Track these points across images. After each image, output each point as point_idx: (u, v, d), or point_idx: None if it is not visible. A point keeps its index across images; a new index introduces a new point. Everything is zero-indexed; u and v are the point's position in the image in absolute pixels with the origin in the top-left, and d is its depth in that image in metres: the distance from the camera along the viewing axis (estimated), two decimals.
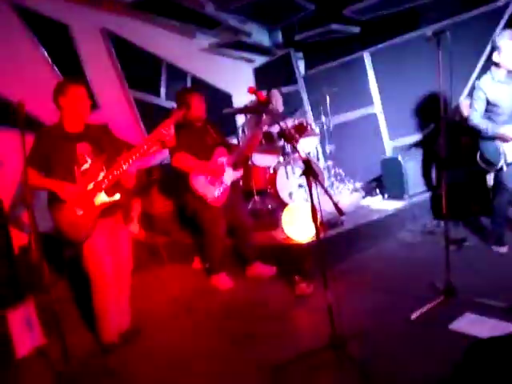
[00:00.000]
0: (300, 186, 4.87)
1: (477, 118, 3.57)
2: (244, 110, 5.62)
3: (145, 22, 6.04)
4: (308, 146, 5.41)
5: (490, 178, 3.97)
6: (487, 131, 3.53)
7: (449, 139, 3.81)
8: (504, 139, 3.49)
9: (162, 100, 6.23)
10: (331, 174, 5.85)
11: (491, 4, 5.12)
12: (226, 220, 3.97)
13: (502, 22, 5.00)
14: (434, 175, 5.25)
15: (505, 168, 3.54)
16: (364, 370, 2.23)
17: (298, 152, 2.64)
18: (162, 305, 3.87)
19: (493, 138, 3.54)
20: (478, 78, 3.70)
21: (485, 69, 4.05)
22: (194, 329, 3.28)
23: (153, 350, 3.03)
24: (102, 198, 2.85)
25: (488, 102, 3.55)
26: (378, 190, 5.51)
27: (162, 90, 6.26)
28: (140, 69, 6.01)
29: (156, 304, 3.90)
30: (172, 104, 5.97)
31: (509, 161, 3.52)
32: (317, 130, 5.52)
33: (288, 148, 5.05)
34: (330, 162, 5.95)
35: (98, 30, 5.61)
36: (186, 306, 3.63)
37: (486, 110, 3.58)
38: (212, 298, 3.76)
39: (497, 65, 3.51)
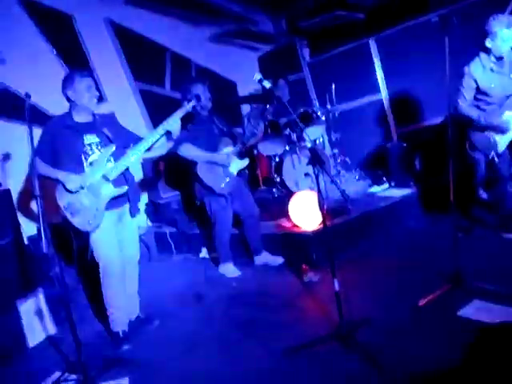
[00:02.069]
0: (306, 174, 4.86)
1: (466, 107, 3.50)
2: (249, 99, 5.60)
3: (149, 12, 6.00)
4: (314, 134, 5.39)
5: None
6: (479, 121, 3.46)
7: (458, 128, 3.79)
8: (496, 129, 3.44)
9: (167, 90, 6.22)
10: (337, 161, 5.84)
11: None
12: (233, 209, 3.98)
13: (509, 9, 4.92)
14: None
15: (496, 159, 3.49)
16: (372, 357, 2.24)
17: (304, 141, 2.63)
18: (171, 293, 3.91)
19: (483, 128, 3.48)
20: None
21: None
22: (203, 317, 3.31)
23: (163, 336, 3.07)
24: (109, 188, 2.86)
25: (478, 91, 3.48)
26: (384, 178, 5.49)
27: (167, 80, 6.24)
28: (144, 59, 5.98)
29: (165, 292, 3.94)
30: (177, 94, 5.96)
31: (499, 151, 3.47)
32: (323, 118, 5.49)
33: (294, 137, 5.04)
34: (336, 150, 5.94)
35: (102, 20, 5.57)
36: (194, 295, 3.65)
37: (475, 99, 3.51)
38: (220, 287, 3.79)
39: (487, 51, 3.42)
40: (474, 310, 2.54)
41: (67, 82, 2.86)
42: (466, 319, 2.47)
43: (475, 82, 3.44)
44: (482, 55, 3.44)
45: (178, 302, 3.64)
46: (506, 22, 3.28)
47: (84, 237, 2.96)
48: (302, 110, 5.25)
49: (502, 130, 3.42)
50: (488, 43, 3.37)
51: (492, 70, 3.41)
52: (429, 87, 5.51)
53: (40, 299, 3.39)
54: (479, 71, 3.44)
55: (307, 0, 6.29)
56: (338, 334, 2.48)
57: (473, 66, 3.48)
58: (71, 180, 2.76)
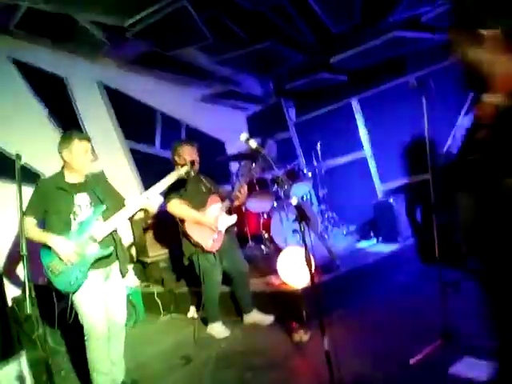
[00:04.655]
0: (294, 230, 4.90)
1: None
2: (237, 157, 5.72)
3: (140, 74, 6.23)
4: (301, 190, 5.48)
5: None
6: None
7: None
8: None
9: (157, 149, 6.34)
10: (325, 217, 5.90)
11: None
12: (222, 266, 3.96)
13: None
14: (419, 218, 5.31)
15: None
16: None
17: (291, 197, 2.69)
18: (158, 355, 3.79)
19: None
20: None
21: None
22: (190, 379, 3.21)
23: None
24: (94, 249, 2.85)
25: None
26: (372, 233, 5.54)
27: (157, 140, 6.39)
28: (135, 119, 6.15)
29: (152, 354, 3.82)
30: (167, 153, 6.08)
31: None
32: (309, 175, 5.61)
33: (281, 193, 5.12)
34: (323, 206, 6.02)
35: (94, 82, 5.77)
36: (182, 357, 3.55)
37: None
38: (209, 348, 3.69)
39: None
40: (465, 368, 2.51)
41: (65, 143, 2.91)
42: (457, 377, 2.44)
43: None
44: None
45: (166, 365, 3.53)
46: None
47: (67, 298, 2.90)
48: (288, 167, 5.38)
49: None
50: None
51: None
52: (411, 144, 5.70)
53: (22, 363, 3.27)
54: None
55: (293, 63, 6.59)
56: None
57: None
58: (59, 245, 2.74)
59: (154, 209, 3.10)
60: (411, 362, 2.68)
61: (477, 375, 2.37)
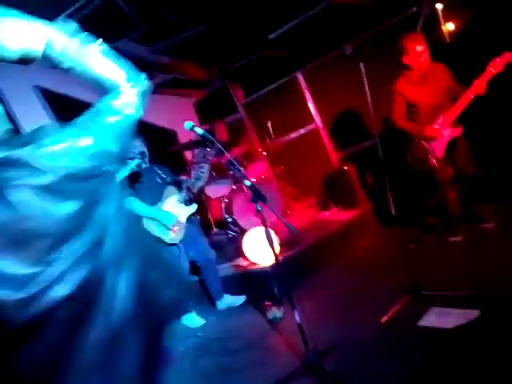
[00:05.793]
0: (257, 210, 4.89)
1: (400, 120, 3.74)
2: (188, 146, 5.64)
3: None
4: (258, 169, 5.48)
5: None
6: (412, 133, 3.70)
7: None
8: (430, 139, 3.66)
9: None
10: (285, 193, 5.94)
11: (405, 12, 5.44)
12: (188, 257, 3.93)
13: (418, 28, 5.32)
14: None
15: (436, 164, 3.69)
16: (343, 382, 2.23)
17: (246, 178, 2.68)
18: None
19: (419, 138, 3.71)
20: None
21: None
22: (170, 371, 3.17)
23: None
24: None
25: (408, 104, 3.73)
26: (331, 203, 5.62)
27: None
28: None
29: None
30: None
31: (439, 157, 3.69)
32: (264, 154, 5.60)
33: (238, 175, 5.09)
34: (282, 183, 6.05)
35: (30, 87, 5.51)
36: None
37: (408, 112, 3.76)
38: (185, 339, 3.68)
39: (408, 67, 3.71)
40: (433, 318, 2.60)
41: None
42: (426, 328, 2.52)
43: (403, 96, 3.69)
44: (406, 71, 3.70)
45: None
46: (415, 39, 3.58)
47: None
48: (242, 148, 5.35)
49: (434, 138, 3.64)
50: (405, 60, 3.65)
51: (415, 83, 3.66)
52: (358, 111, 5.78)
53: None
54: (404, 86, 3.69)
55: (232, 45, 6.50)
56: (306, 367, 2.45)
57: (398, 83, 3.75)
58: None
59: None
60: (382, 321, 2.75)
61: (445, 323, 2.46)
